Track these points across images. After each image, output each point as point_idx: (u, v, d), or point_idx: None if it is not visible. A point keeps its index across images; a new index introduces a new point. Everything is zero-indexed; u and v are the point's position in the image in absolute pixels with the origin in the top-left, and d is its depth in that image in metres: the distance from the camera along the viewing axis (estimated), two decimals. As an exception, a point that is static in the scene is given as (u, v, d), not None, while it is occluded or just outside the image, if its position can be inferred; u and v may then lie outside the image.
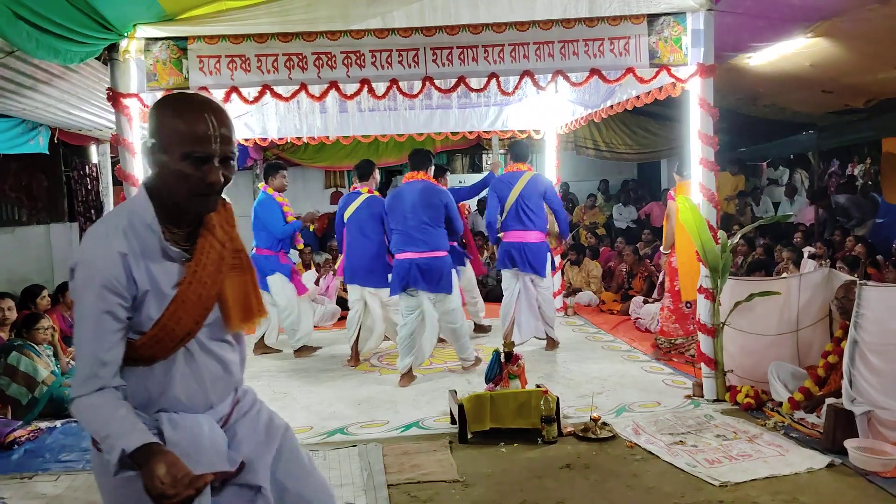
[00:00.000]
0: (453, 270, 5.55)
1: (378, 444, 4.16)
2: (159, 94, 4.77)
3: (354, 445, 4.18)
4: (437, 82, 4.87)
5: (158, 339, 1.75)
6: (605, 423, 4.22)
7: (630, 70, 4.78)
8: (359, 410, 4.86)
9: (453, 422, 4.39)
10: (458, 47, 4.70)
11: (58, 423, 4.81)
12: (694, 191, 4.86)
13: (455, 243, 6.21)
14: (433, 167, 5.73)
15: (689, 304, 5.76)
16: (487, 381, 4.42)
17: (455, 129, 7.82)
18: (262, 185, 6.44)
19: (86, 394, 1.68)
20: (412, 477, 3.70)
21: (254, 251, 6.24)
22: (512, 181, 6.00)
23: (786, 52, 5.97)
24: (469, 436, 4.16)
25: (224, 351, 1.90)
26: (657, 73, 4.82)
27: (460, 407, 4.17)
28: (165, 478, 1.52)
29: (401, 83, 4.84)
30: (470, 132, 7.87)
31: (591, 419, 4.19)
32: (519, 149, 6.25)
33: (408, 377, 5.44)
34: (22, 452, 4.33)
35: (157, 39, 4.56)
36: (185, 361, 1.82)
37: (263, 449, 1.95)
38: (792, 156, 11.39)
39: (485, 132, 7.96)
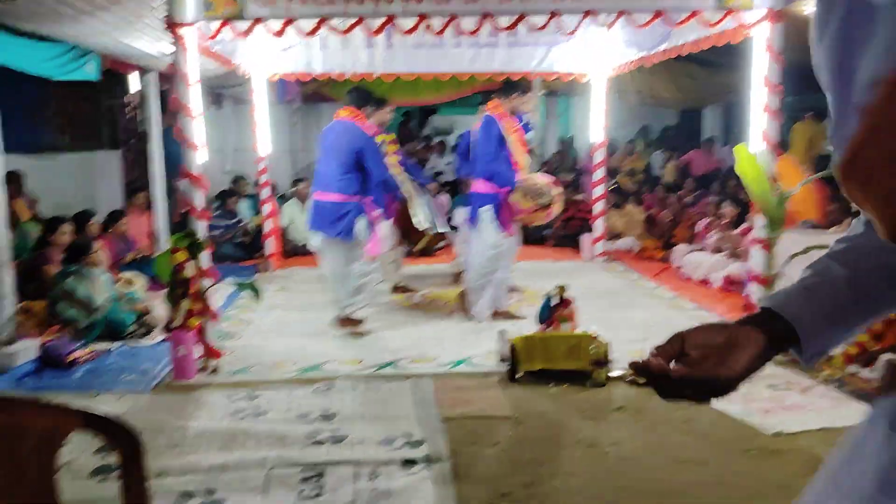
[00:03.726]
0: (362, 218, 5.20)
1: (429, 379, 4.24)
2: (215, 25, 4.74)
3: (406, 379, 4.26)
4: (495, 19, 4.76)
5: None
6: (654, 369, 4.24)
7: (695, 13, 4.65)
8: (407, 345, 4.93)
9: (502, 361, 4.45)
10: (520, -18, 4.59)
11: (114, 346, 4.95)
12: (755, 139, 4.77)
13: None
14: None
15: None
16: (540, 322, 4.45)
17: (501, 69, 7.66)
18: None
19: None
20: (465, 412, 3.78)
21: None
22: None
23: None
24: (519, 375, 4.22)
25: None
26: (723, 16, 4.68)
27: (511, 347, 4.22)
28: None
29: (459, 19, 4.75)
30: (515, 73, 7.71)
31: (641, 364, 4.22)
32: (509, 86, 5.56)
33: (345, 322, 5.30)
34: (83, 372, 4.47)
35: (214, -34, 4.49)
36: None
37: None
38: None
39: (530, 73, 7.80)
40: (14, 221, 6.07)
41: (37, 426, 1.41)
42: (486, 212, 5.31)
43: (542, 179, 5.42)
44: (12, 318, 4.49)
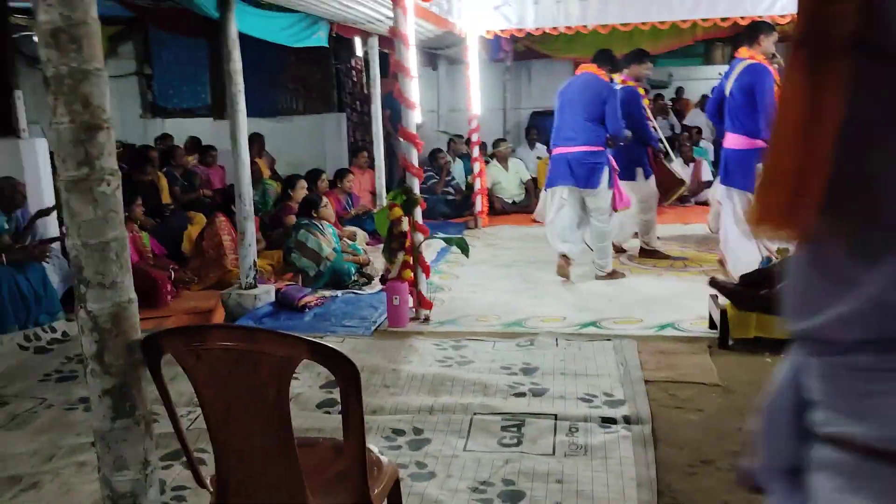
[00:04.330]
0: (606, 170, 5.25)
1: (633, 341, 4.17)
2: (431, -13, 4.90)
3: (608, 339, 4.23)
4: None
5: None
6: (889, 344, 3.84)
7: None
8: (611, 306, 4.88)
9: (712, 326, 4.26)
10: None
11: (339, 294, 5.41)
12: None
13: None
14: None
15: None
16: (755, 287, 4.19)
17: (725, 13, 7.14)
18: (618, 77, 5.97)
19: None
20: (669, 376, 3.69)
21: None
22: (730, 71, 5.08)
23: None
24: (730, 342, 4.01)
25: None
26: None
27: (723, 312, 4.02)
28: None
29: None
30: (742, 17, 7.14)
31: (873, 338, 3.84)
32: (751, 28, 5.14)
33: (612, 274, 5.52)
34: (312, 316, 4.95)
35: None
36: None
37: None
38: None
39: (758, 17, 7.18)
40: (256, 179, 6.80)
41: (274, 353, 1.66)
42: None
43: None
44: (254, 265, 5.05)
